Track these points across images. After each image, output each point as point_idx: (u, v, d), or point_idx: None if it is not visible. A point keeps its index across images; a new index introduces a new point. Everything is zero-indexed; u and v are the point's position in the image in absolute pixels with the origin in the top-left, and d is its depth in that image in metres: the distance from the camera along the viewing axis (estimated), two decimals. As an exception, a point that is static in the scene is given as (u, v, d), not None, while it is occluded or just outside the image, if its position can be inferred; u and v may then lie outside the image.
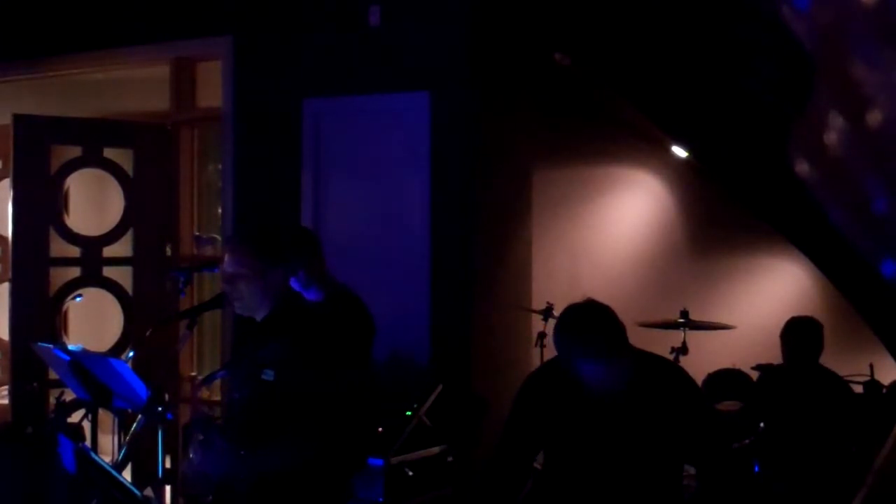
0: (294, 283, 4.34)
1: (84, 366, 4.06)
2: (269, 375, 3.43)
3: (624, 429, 3.17)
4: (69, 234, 6.69)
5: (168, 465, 4.45)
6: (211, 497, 3.57)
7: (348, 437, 3.84)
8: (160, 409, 3.54)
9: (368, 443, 4.62)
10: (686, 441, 3.19)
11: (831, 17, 0.82)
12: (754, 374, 5.69)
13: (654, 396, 3.18)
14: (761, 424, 5.07)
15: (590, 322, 3.12)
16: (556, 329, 3.17)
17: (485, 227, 5.67)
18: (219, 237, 6.77)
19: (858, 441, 4.87)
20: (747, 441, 5.06)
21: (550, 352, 4.55)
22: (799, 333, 5.37)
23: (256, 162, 6.28)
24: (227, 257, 3.53)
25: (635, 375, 3.16)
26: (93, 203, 7.46)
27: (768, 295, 7.31)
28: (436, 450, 4.91)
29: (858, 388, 5.62)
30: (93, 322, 7.09)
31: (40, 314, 6.56)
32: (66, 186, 6.80)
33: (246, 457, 3.40)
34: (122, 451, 3.80)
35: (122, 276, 6.80)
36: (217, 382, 5.78)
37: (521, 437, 3.34)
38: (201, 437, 3.40)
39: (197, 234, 7.04)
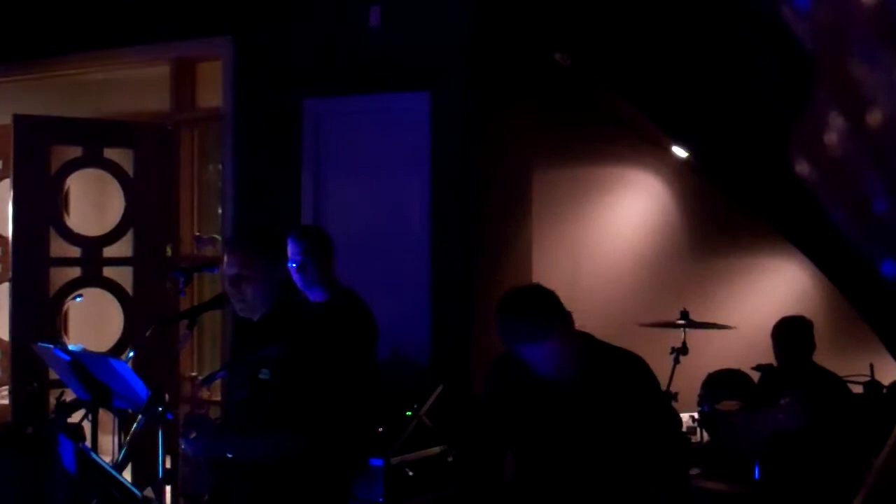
0: (300, 283, 4.35)
1: (84, 366, 4.07)
2: (265, 374, 3.44)
3: (575, 416, 3.18)
4: (69, 234, 6.69)
5: (168, 465, 4.45)
6: (206, 496, 3.58)
7: (347, 437, 3.84)
8: (160, 409, 3.55)
9: (368, 443, 4.62)
10: (637, 433, 3.18)
11: (831, 17, 0.82)
12: (754, 374, 5.69)
13: (606, 385, 3.17)
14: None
15: (516, 305, 3.13)
16: (496, 314, 3.18)
17: (485, 227, 5.67)
18: (219, 237, 6.77)
19: (858, 441, 4.87)
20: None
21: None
22: (789, 333, 5.38)
23: (256, 162, 6.28)
24: (227, 258, 3.54)
25: (588, 364, 3.16)
26: (93, 203, 7.46)
27: (768, 295, 7.31)
28: (436, 450, 4.92)
29: (858, 389, 5.62)
30: (93, 322, 7.09)
31: (40, 314, 6.56)
32: (66, 186, 6.80)
33: (232, 437, 3.43)
34: (122, 451, 3.81)
35: (122, 276, 6.80)
36: (217, 382, 5.79)
37: (493, 423, 3.38)
38: (194, 435, 3.42)
39: (197, 234, 7.04)
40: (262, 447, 3.44)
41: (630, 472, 3.24)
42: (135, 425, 3.60)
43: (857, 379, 5.67)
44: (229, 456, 3.47)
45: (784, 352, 5.38)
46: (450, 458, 4.91)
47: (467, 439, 4.01)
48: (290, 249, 4.37)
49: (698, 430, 5.64)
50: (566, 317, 3.13)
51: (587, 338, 3.27)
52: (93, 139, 6.77)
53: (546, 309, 3.10)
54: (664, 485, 3.26)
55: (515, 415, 3.29)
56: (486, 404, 3.40)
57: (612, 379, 3.18)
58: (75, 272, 6.75)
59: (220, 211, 6.71)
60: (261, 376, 3.44)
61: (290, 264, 4.22)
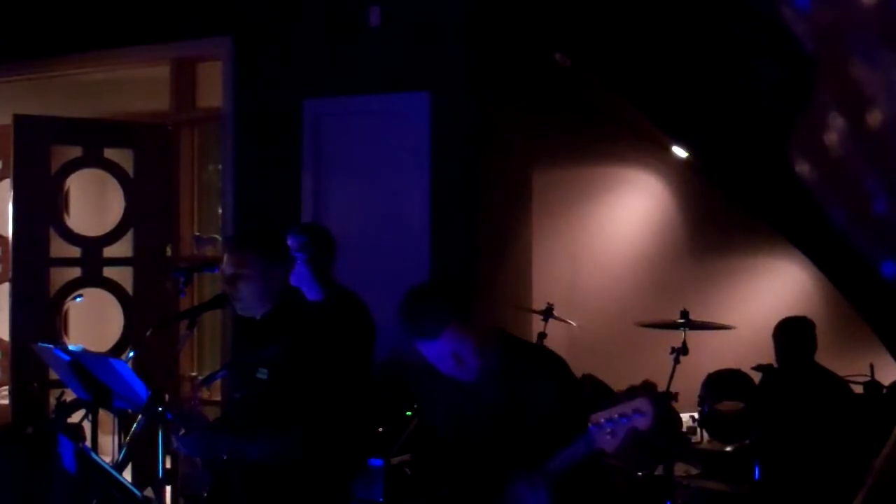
0: (297, 280, 4.34)
1: (84, 366, 4.06)
2: (263, 374, 3.44)
3: (478, 413, 3.11)
4: (69, 234, 6.69)
5: (168, 465, 4.45)
6: (206, 494, 3.58)
7: (346, 438, 3.84)
8: (160, 409, 3.54)
9: (368, 444, 4.62)
10: (543, 432, 3.03)
11: (831, 17, 0.82)
12: (754, 374, 5.69)
13: (510, 385, 3.07)
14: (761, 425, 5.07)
15: (411, 302, 3.07)
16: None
17: (485, 227, 5.67)
18: (219, 237, 6.77)
19: (858, 441, 4.88)
20: (747, 441, 5.06)
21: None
22: (791, 333, 5.38)
23: (256, 162, 6.28)
24: (227, 258, 3.54)
25: (496, 362, 3.08)
26: (93, 203, 7.46)
27: (768, 295, 7.31)
28: (436, 450, 4.91)
29: (858, 389, 5.62)
30: (93, 322, 7.09)
31: (40, 314, 6.56)
32: (66, 186, 6.80)
33: (227, 438, 3.43)
34: (122, 451, 3.80)
35: (122, 276, 6.80)
36: (217, 382, 5.78)
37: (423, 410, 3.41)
38: (183, 431, 3.42)
39: (197, 234, 7.04)
40: (256, 449, 3.44)
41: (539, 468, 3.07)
42: (135, 425, 3.60)
43: (857, 379, 5.67)
44: (224, 457, 3.47)
45: (785, 352, 5.38)
46: (410, 472, 4.86)
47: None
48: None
49: (698, 430, 5.64)
50: (464, 315, 3.04)
51: (496, 335, 3.18)
52: (93, 139, 6.77)
53: (440, 307, 3.03)
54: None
55: (432, 403, 3.30)
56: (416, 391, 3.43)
57: (518, 378, 3.08)
58: (75, 272, 6.75)
59: (220, 211, 6.71)
60: (259, 376, 3.45)
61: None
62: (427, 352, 3.05)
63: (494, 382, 3.09)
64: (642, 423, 2.77)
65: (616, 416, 2.78)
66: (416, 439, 4.76)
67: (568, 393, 3.17)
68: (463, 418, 3.17)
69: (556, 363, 3.18)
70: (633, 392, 2.96)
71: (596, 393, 5.19)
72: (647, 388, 2.97)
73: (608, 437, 2.78)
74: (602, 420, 2.79)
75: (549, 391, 3.08)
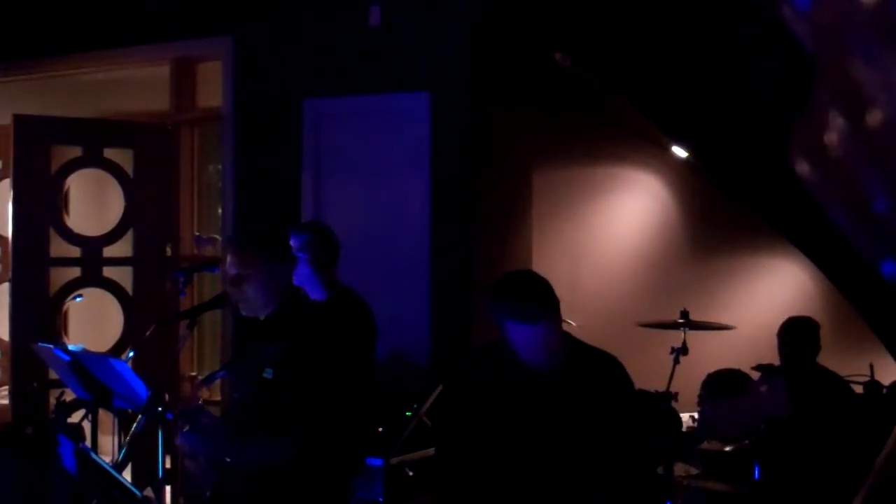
0: (299, 279, 4.34)
1: (84, 366, 4.06)
2: (269, 374, 3.44)
3: (549, 409, 3.20)
4: (69, 234, 6.69)
5: (168, 465, 4.45)
6: (208, 493, 3.58)
7: (347, 438, 3.84)
8: (160, 409, 3.54)
9: (368, 444, 4.62)
10: (606, 431, 3.17)
11: (831, 17, 0.82)
12: (754, 374, 5.69)
13: (584, 380, 3.19)
14: (761, 425, 5.06)
15: (522, 284, 3.21)
16: (490, 293, 3.23)
17: (485, 227, 5.67)
18: (219, 237, 6.77)
19: (858, 441, 4.88)
20: (747, 442, 5.05)
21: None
22: (796, 333, 5.39)
23: (256, 162, 6.28)
24: (230, 258, 3.54)
25: (570, 358, 3.21)
26: (93, 203, 7.46)
27: (768, 295, 7.31)
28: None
29: (858, 389, 5.62)
30: (93, 322, 7.09)
31: (40, 314, 6.56)
32: (66, 186, 6.80)
33: (230, 444, 3.42)
34: (122, 451, 3.80)
35: (122, 276, 6.80)
36: (217, 382, 5.78)
37: (464, 418, 3.38)
38: (187, 428, 3.42)
39: (197, 234, 7.04)
40: (259, 454, 3.43)
41: (594, 468, 3.22)
42: (135, 425, 3.60)
43: (857, 379, 5.67)
44: (228, 461, 3.47)
45: (789, 352, 5.38)
46: (410, 473, 4.86)
47: (441, 435, 4.00)
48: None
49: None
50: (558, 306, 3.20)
51: (567, 332, 3.32)
52: (93, 139, 6.76)
53: (550, 293, 3.17)
54: (624, 485, 3.25)
55: (489, 408, 3.31)
56: (459, 397, 3.42)
57: (590, 375, 3.21)
58: (75, 272, 6.75)
59: (220, 211, 6.71)
60: (265, 375, 3.45)
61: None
62: (530, 337, 3.13)
63: (568, 375, 3.19)
64: (768, 410, 2.87)
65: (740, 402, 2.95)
66: (416, 439, 4.76)
67: (631, 394, 3.31)
68: (527, 415, 3.22)
69: (620, 366, 3.28)
70: (757, 385, 3.05)
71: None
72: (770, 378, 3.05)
73: (728, 423, 2.91)
74: (724, 404, 2.95)
75: (615, 390, 3.21)
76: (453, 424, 3.45)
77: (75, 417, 4.52)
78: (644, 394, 5.50)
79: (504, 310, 3.16)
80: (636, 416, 3.33)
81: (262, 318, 3.54)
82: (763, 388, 2.73)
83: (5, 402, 6.76)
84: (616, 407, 3.19)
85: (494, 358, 3.23)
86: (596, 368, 3.23)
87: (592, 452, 3.18)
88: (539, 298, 3.14)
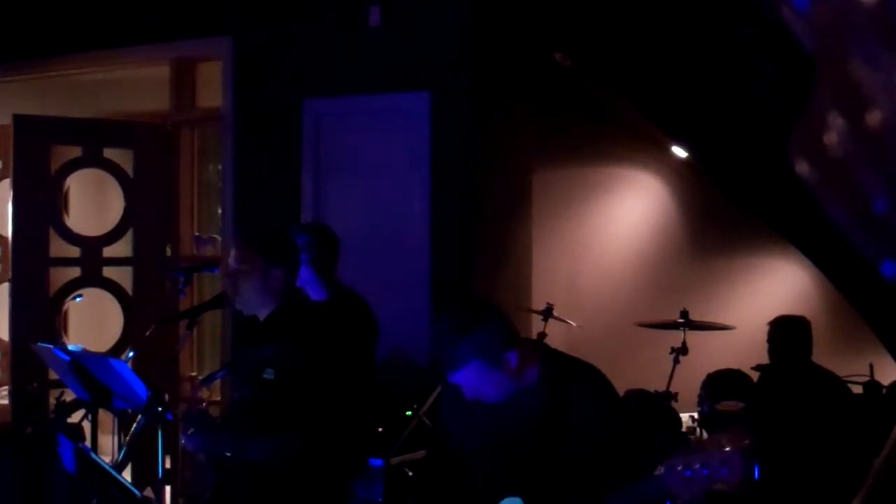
0: (300, 280, 4.34)
1: (84, 366, 4.06)
2: (269, 374, 3.44)
3: (521, 442, 2.88)
4: (69, 234, 6.69)
5: (168, 465, 4.45)
6: (209, 495, 3.58)
7: (348, 438, 3.84)
8: (160, 409, 3.55)
9: (368, 445, 4.62)
10: (585, 458, 2.81)
11: (831, 17, 0.82)
12: (754, 374, 5.70)
13: (553, 408, 2.83)
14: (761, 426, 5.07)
15: (441, 330, 2.89)
16: None
17: (485, 227, 5.67)
18: (219, 237, 6.77)
19: (858, 441, 4.88)
20: (747, 442, 5.05)
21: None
22: (783, 331, 5.38)
23: (256, 162, 6.28)
24: (232, 252, 3.56)
25: (538, 384, 2.85)
26: (93, 203, 7.46)
27: (768, 295, 7.31)
28: (436, 450, 4.91)
29: (858, 389, 5.62)
30: (93, 322, 7.09)
31: (40, 314, 6.56)
32: (66, 186, 6.80)
33: (232, 436, 3.43)
34: (122, 451, 3.80)
35: (122, 276, 6.80)
36: (217, 382, 5.78)
37: (445, 447, 3.15)
38: (192, 430, 3.42)
39: (197, 234, 7.04)
40: (260, 448, 3.44)
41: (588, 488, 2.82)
42: (135, 425, 3.60)
43: (857, 379, 5.67)
44: (228, 455, 3.47)
45: (778, 350, 5.38)
46: (410, 473, 4.86)
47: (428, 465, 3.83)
48: None
49: (698, 430, 5.64)
50: (490, 341, 2.79)
51: (539, 351, 2.97)
52: (93, 139, 6.76)
53: (460, 337, 2.80)
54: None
55: (464, 438, 3.04)
56: (439, 428, 3.20)
57: (558, 399, 2.84)
58: (75, 272, 6.75)
59: (220, 211, 6.71)
60: (265, 376, 3.45)
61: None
62: (457, 381, 2.83)
63: (530, 402, 2.85)
64: (728, 478, 2.52)
65: (698, 465, 2.50)
66: (417, 442, 4.76)
67: (613, 419, 2.92)
68: (491, 445, 2.93)
69: (601, 384, 2.92)
70: (719, 441, 2.58)
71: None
72: (735, 438, 2.50)
73: (684, 484, 2.49)
74: (680, 466, 2.49)
75: (593, 415, 2.83)
76: (440, 468, 3.20)
77: (75, 417, 4.52)
78: (644, 394, 5.51)
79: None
80: (620, 432, 2.90)
81: (262, 317, 3.54)
82: (728, 451, 2.36)
83: (5, 402, 6.76)
84: (594, 429, 2.80)
85: (460, 396, 2.90)
86: (566, 390, 2.85)
87: (579, 474, 2.83)
88: (448, 347, 2.81)
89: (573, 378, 2.90)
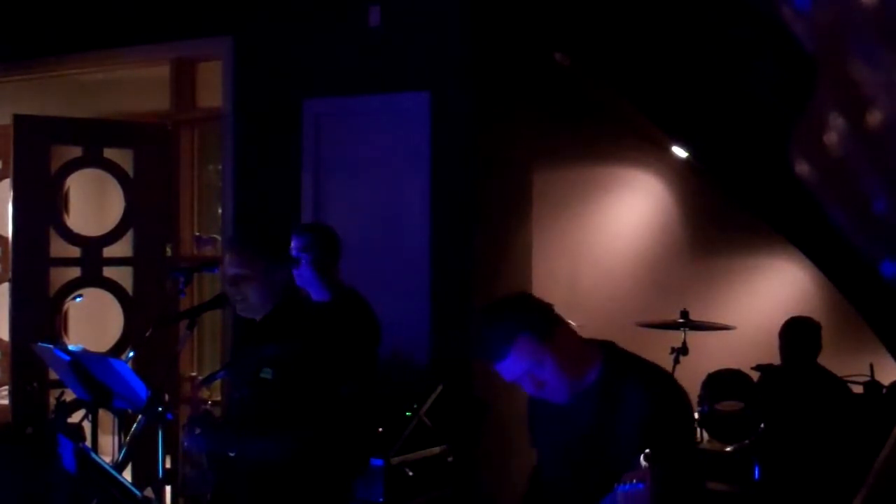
0: (301, 280, 4.34)
1: (84, 366, 4.07)
2: (267, 374, 3.44)
3: (575, 447, 2.73)
4: (69, 234, 6.69)
5: (168, 465, 4.45)
6: (209, 496, 3.58)
7: (349, 438, 3.84)
8: (160, 409, 3.55)
9: (369, 443, 4.62)
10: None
11: (831, 17, 0.82)
12: (754, 374, 5.70)
13: (610, 412, 2.65)
14: (761, 425, 5.07)
15: (480, 321, 2.79)
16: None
17: (485, 227, 5.67)
18: (219, 237, 6.77)
19: (858, 441, 4.88)
20: (747, 442, 5.06)
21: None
22: (797, 333, 5.40)
23: (256, 162, 6.28)
24: (228, 258, 3.54)
25: (596, 382, 2.70)
26: (93, 203, 7.46)
27: (768, 295, 7.31)
28: (436, 450, 4.91)
29: (858, 389, 5.62)
30: (93, 322, 7.09)
31: (40, 314, 6.56)
32: (66, 186, 6.80)
33: (234, 435, 3.43)
34: (122, 451, 3.80)
35: (122, 276, 6.80)
36: (217, 382, 5.79)
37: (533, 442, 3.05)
38: (198, 431, 3.42)
39: (197, 234, 7.04)
40: (263, 447, 3.44)
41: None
42: (135, 425, 3.60)
43: (857, 379, 5.67)
44: (231, 454, 3.48)
45: (790, 351, 5.39)
46: (450, 459, 4.91)
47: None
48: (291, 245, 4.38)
49: (698, 430, 5.64)
50: (539, 330, 2.66)
51: (604, 350, 2.78)
52: (93, 139, 6.77)
53: (507, 323, 2.66)
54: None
55: (541, 448, 2.94)
56: (530, 430, 3.03)
57: (612, 399, 2.66)
58: (75, 272, 6.75)
59: (220, 211, 6.71)
60: (263, 375, 3.45)
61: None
62: (502, 374, 2.67)
63: (588, 405, 2.67)
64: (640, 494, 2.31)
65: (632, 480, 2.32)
66: (416, 440, 4.76)
67: (666, 422, 2.62)
68: (558, 450, 2.79)
69: (661, 385, 2.71)
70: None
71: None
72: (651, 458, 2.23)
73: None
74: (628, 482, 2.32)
75: (639, 421, 2.58)
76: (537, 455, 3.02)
77: (75, 417, 4.52)
78: None
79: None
80: (666, 442, 2.53)
81: (258, 318, 3.54)
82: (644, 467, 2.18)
83: (5, 402, 6.76)
84: (638, 436, 2.53)
85: (538, 403, 2.83)
86: (619, 391, 2.66)
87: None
88: (493, 334, 2.66)
89: (629, 379, 2.70)
